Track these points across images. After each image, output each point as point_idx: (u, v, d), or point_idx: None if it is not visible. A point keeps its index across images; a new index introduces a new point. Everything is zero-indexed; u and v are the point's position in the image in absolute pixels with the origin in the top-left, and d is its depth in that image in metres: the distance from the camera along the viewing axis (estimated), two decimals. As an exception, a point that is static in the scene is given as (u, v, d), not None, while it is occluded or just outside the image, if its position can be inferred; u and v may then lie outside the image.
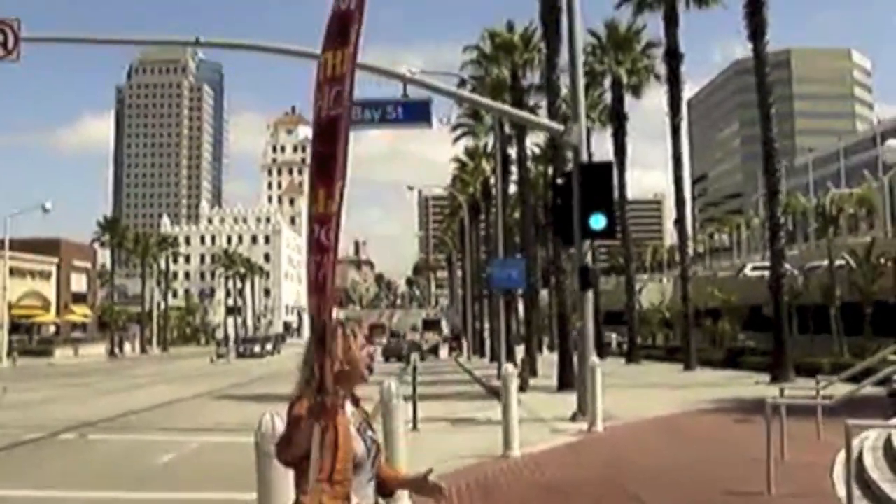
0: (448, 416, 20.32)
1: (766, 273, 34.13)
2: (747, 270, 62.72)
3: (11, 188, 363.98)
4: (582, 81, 20.18)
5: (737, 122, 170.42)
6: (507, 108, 26.10)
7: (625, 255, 49.24)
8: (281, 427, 4.03)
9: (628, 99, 44.07)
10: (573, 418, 18.05)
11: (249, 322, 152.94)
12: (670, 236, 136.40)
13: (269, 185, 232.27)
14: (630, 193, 47.97)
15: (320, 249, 3.56)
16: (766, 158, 30.36)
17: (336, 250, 3.62)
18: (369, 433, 3.83)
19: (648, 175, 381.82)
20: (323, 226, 3.54)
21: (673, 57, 37.21)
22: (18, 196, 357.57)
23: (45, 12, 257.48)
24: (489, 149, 53.35)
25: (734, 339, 44.36)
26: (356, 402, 3.90)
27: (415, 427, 17.05)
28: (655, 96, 41.14)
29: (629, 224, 47.46)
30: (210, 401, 28.81)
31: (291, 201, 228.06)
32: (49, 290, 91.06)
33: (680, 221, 40.64)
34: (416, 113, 20.59)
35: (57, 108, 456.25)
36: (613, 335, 59.78)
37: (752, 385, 26.25)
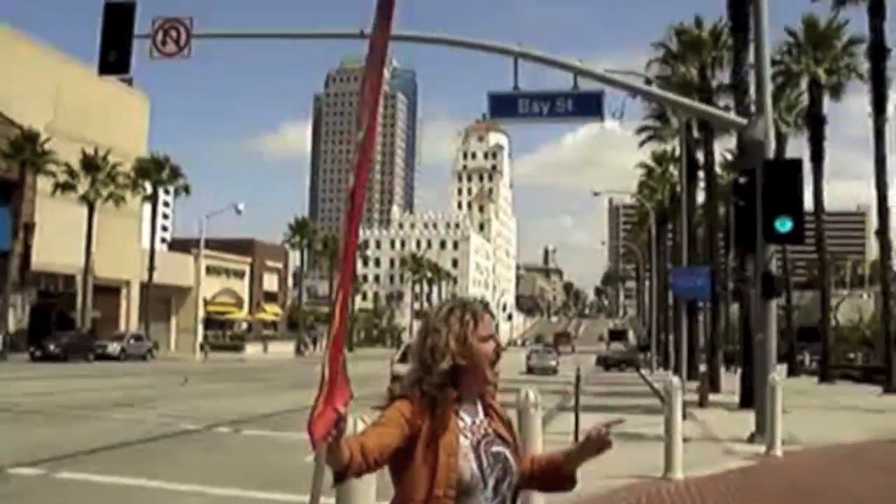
0: (615, 430, 19.01)
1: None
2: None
3: (217, 191, 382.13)
4: (769, 71, 18.61)
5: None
6: (684, 100, 24.54)
7: (820, 268, 46.27)
8: None
9: (830, 104, 41.29)
10: (750, 439, 16.51)
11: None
12: (873, 251, 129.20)
13: (459, 192, 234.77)
14: (831, 205, 45.08)
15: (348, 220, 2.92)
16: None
17: (358, 220, 2.91)
18: (497, 448, 2.90)
19: (852, 186, 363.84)
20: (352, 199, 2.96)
21: (878, 52, 34.41)
22: (223, 199, 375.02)
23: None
24: (677, 154, 51.39)
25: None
26: (487, 409, 2.99)
27: (576, 439, 15.98)
28: (862, 103, 38.25)
29: (826, 236, 44.55)
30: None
31: (481, 208, 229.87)
32: (242, 288, 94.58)
33: (882, 232, 37.61)
34: (586, 106, 19.46)
35: (260, 116, 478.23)
36: (806, 353, 56.67)
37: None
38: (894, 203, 38.67)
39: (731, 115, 22.82)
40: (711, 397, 27.13)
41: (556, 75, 20.70)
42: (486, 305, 3.05)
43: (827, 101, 41.28)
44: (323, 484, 2.83)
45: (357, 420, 5.27)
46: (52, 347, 50.92)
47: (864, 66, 37.01)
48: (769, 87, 18.81)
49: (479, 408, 2.97)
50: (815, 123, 41.23)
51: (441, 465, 2.76)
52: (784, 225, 16.54)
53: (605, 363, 68.29)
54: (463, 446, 2.81)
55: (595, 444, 2.99)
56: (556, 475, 3.10)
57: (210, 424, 18.73)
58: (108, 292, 67.22)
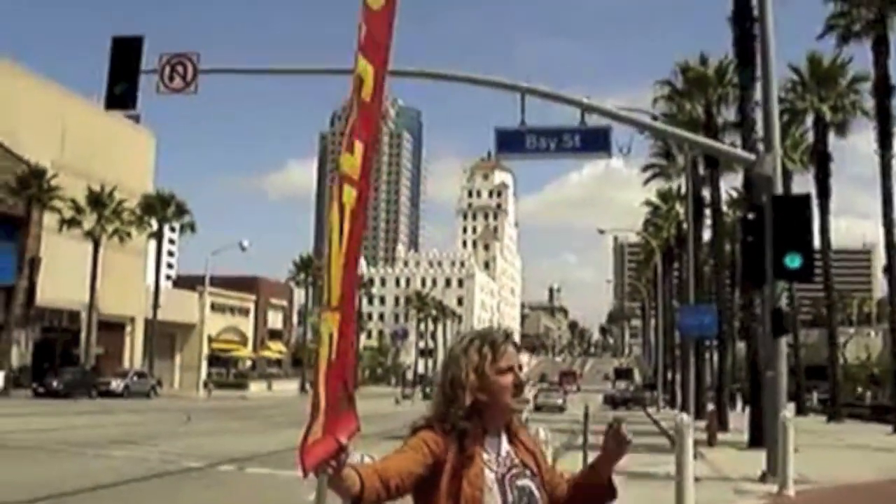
0: (624, 469, 18.76)
1: None
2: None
3: (222, 227, 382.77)
4: (776, 107, 18.53)
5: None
6: (691, 135, 24.49)
7: (827, 306, 46.01)
8: None
9: (835, 141, 41.22)
10: (762, 479, 16.25)
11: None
12: (880, 289, 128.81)
13: (464, 230, 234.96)
14: (837, 242, 44.94)
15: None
16: None
17: (358, 226, 2.77)
18: (523, 482, 2.80)
19: (859, 225, 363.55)
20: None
21: (883, 89, 34.37)
22: (228, 236, 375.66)
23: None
24: (682, 191, 51.40)
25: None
26: (512, 438, 2.90)
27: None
28: (867, 140, 38.15)
29: (833, 274, 44.33)
30: (379, 440, 28.23)
31: (486, 246, 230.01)
32: (247, 325, 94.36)
33: (890, 269, 37.38)
34: (594, 142, 19.41)
35: (266, 153, 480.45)
36: (814, 392, 56.32)
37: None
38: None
39: (740, 152, 22.75)
40: (720, 436, 26.83)
41: (562, 112, 20.73)
42: (508, 336, 2.96)
43: (832, 139, 41.28)
44: None
45: (363, 456, 5.14)
46: (54, 384, 50.70)
47: (870, 103, 37.00)
48: (777, 123, 18.73)
49: (504, 438, 2.89)
50: (820, 160, 41.14)
51: (466, 499, 2.69)
52: (794, 261, 16.38)
53: (613, 402, 68.55)
54: (488, 480, 2.74)
55: (615, 443, 2.91)
56: (595, 488, 3.01)
57: (212, 462, 18.53)
58: (113, 328, 67.04)
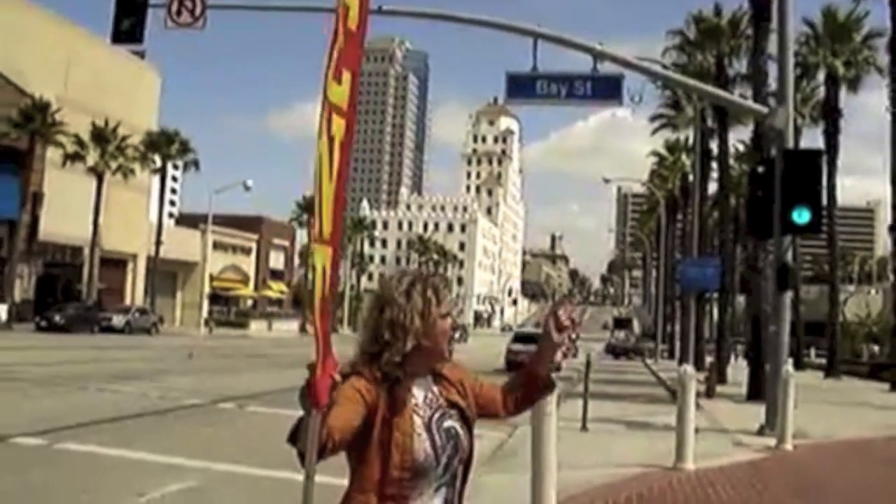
0: (623, 419, 18.88)
1: None
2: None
3: (227, 167, 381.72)
4: (791, 60, 18.32)
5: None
6: (705, 87, 24.10)
7: (830, 263, 45.99)
8: None
9: (845, 100, 40.92)
10: (760, 432, 16.30)
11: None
12: (883, 247, 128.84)
13: (469, 175, 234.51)
14: (841, 200, 44.84)
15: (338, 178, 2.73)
16: None
17: (346, 159, 2.72)
18: (449, 423, 2.76)
19: (863, 183, 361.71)
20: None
21: (898, 46, 33.99)
22: (233, 175, 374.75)
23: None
24: (689, 143, 51.05)
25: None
26: (437, 377, 2.85)
27: (584, 427, 15.90)
28: (877, 98, 37.73)
29: (836, 231, 44.26)
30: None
31: (490, 192, 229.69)
32: (249, 265, 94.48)
33: (895, 228, 37.31)
34: (605, 89, 19.16)
35: (273, 93, 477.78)
36: (812, 348, 56.51)
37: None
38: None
39: (753, 104, 22.54)
40: (718, 388, 26.89)
41: (571, 61, 20.45)
42: (445, 280, 2.95)
43: (843, 95, 40.95)
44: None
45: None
46: (57, 318, 50.85)
47: (884, 59, 36.56)
48: (791, 76, 18.53)
49: (430, 379, 2.84)
50: (830, 116, 40.86)
51: (396, 446, 2.65)
52: (802, 216, 16.28)
53: (614, 351, 68.52)
54: (417, 426, 2.70)
55: (555, 329, 2.84)
56: (532, 386, 2.99)
57: (214, 400, 18.60)
58: (115, 265, 67.15)
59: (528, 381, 2.99)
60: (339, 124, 2.67)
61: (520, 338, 41.42)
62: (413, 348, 2.73)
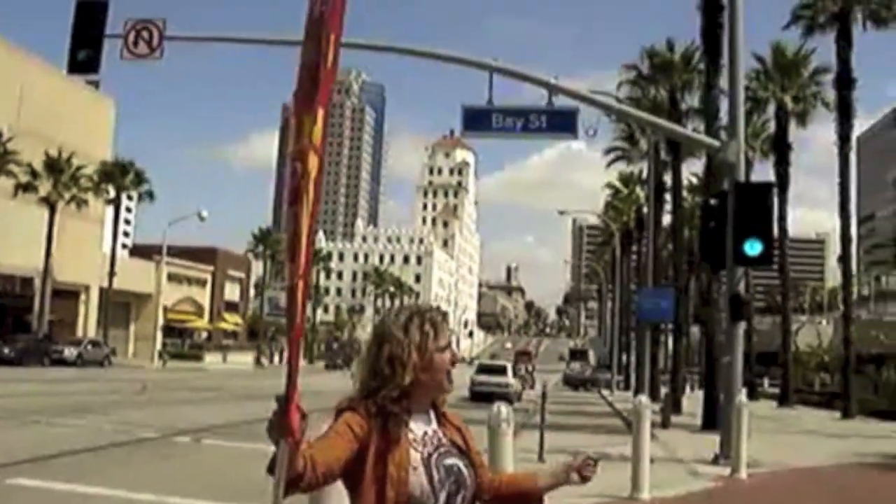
0: (579, 449, 18.90)
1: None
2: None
3: (181, 198, 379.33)
4: (742, 94, 18.69)
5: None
6: (659, 120, 24.48)
7: (782, 293, 46.61)
8: None
9: (794, 134, 41.62)
10: (714, 461, 16.47)
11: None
12: (832, 277, 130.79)
13: (425, 207, 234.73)
14: (791, 231, 45.50)
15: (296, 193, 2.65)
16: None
17: (319, 195, 2.67)
18: (450, 461, 2.77)
19: (811, 214, 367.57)
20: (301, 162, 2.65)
21: (844, 82, 34.76)
22: (187, 206, 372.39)
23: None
24: (644, 175, 51.63)
25: (900, 388, 41.06)
26: (440, 417, 2.87)
27: (541, 458, 15.92)
28: (823, 131, 38.46)
29: (788, 262, 44.89)
30: (330, 416, 28.25)
31: (445, 224, 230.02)
32: (203, 297, 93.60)
33: (845, 259, 37.95)
34: (560, 123, 19.41)
35: (228, 124, 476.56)
36: (765, 377, 57.08)
37: (919, 440, 23.83)
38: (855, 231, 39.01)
39: (705, 137, 22.92)
40: (673, 418, 27.09)
41: (527, 95, 20.70)
42: (444, 313, 2.94)
43: (792, 129, 41.65)
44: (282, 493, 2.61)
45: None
46: (6, 351, 50.03)
47: (831, 94, 37.36)
48: (742, 110, 18.89)
49: (432, 416, 2.86)
50: (781, 149, 41.56)
51: (391, 481, 2.65)
52: (754, 248, 16.58)
53: (572, 382, 68.72)
54: (413, 460, 2.70)
55: (578, 476, 2.97)
56: (524, 495, 3.01)
57: (169, 433, 18.42)
58: (67, 296, 66.15)
59: (521, 490, 3.02)
60: (314, 161, 2.71)
61: (483, 369, 42.28)
62: (411, 383, 2.75)
